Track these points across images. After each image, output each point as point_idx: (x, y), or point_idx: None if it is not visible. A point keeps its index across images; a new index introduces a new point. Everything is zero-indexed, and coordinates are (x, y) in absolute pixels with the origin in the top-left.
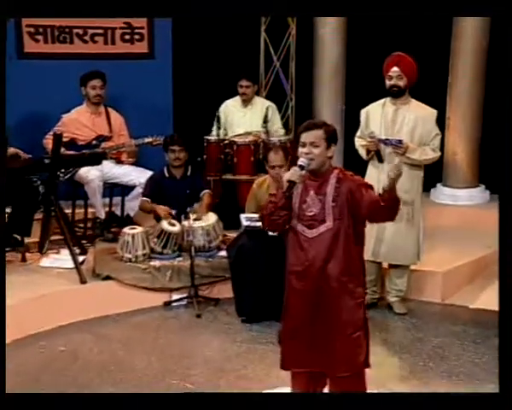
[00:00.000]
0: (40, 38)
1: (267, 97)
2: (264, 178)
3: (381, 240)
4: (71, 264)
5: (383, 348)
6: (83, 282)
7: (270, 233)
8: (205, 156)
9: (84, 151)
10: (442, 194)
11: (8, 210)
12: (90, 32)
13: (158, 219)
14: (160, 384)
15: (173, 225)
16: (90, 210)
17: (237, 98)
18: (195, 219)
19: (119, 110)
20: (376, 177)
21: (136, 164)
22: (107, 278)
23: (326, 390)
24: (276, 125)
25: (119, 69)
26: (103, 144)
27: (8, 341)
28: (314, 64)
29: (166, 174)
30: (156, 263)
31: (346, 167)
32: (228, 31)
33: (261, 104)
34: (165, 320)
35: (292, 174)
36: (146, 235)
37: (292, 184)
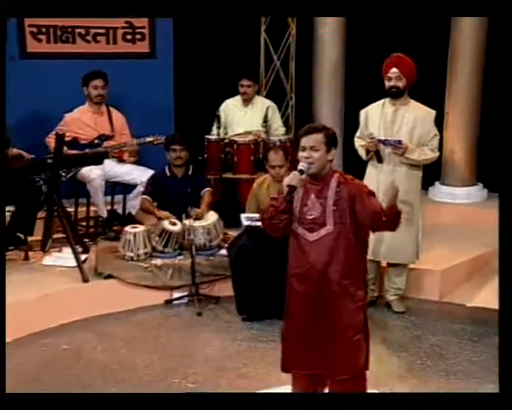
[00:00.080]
0: (43, 37)
1: (267, 97)
2: (265, 177)
3: (381, 240)
4: (73, 262)
5: (382, 347)
6: (85, 280)
7: None
8: (205, 155)
9: (86, 150)
10: (440, 192)
11: (10, 208)
12: (92, 31)
13: (160, 218)
14: (161, 383)
15: (174, 224)
16: (92, 208)
17: (238, 98)
18: (196, 219)
19: (121, 109)
20: (376, 177)
21: (138, 163)
22: (109, 276)
23: (326, 391)
24: (276, 124)
25: (120, 69)
26: (105, 143)
27: (10, 339)
28: (314, 64)
29: (168, 173)
30: (157, 262)
31: (345, 167)
32: (228, 31)
33: (261, 104)
34: (167, 318)
35: (292, 179)
36: (147, 234)
37: (292, 188)
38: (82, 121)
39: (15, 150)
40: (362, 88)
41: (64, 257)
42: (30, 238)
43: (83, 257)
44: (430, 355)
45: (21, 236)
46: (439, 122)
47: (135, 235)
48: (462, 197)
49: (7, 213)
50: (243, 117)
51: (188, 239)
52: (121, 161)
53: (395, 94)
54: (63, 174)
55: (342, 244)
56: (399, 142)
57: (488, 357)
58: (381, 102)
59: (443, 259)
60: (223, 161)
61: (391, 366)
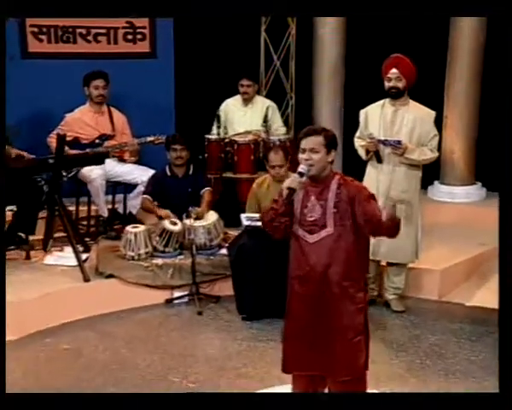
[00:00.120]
0: (44, 37)
1: (267, 96)
2: (265, 177)
3: (381, 239)
4: (74, 262)
5: (381, 346)
6: (86, 280)
7: None
8: (206, 155)
9: (87, 150)
10: (439, 191)
11: (11, 208)
12: (93, 31)
13: (160, 217)
14: (162, 383)
15: (175, 224)
16: (93, 208)
17: (238, 97)
18: (196, 218)
19: (122, 109)
20: (375, 177)
21: (139, 162)
22: (110, 276)
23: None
24: (276, 123)
25: (121, 69)
26: (106, 143)
27: (12, 338)
28: (313, 64)
29: (168, 173)
30: (158, 261)
31: (344, 167)
32: (229, 31)
33: (261, 103)
34: (167, 318)
35: (291, 181)
36: (148, 233)
37: (291, 191)
38: (83, 121)
39: (16, 151)
40: (361, 88)
41: (65, 256)
42: (31, 238)
43: (84, 256)
44: (429, 355)
45: (23, 235)
46: (439, 122)
47: (136, 234)
48: (461, 196)
49: (9, 213)
50: (243, 116)
51: (188, 239)
52: (122, 160)
53: (395, 94)
54: (64, 174)
55: (342, 246)
56: (399, 142)
57: (486, 356)
58: (380, 102)
59: (442, 258)
60: (223, 161)
61: (390, 366)
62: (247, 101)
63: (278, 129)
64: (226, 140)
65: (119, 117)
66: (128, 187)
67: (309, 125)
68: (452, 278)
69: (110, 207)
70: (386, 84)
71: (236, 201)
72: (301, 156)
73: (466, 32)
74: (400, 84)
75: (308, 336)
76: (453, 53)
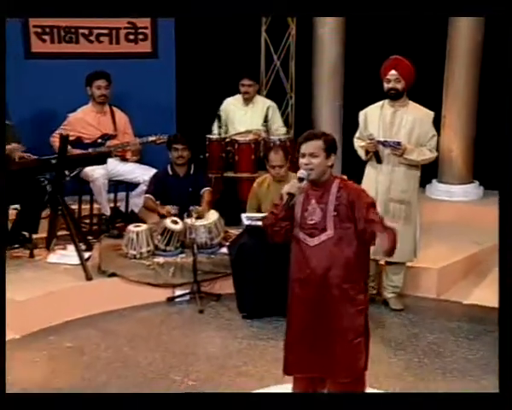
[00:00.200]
0: (47, 38)
1: (267, 96)
2: (265, 177)
3: None
4: (77, 260)
5: (379, 345)
6: (88, 278)
7: None
8: (207, 154)
9: (89, 150)
10: (437, 190)
11: (15, 207)
12: (96, 32)
13: (162, 216)
14: (163, 381)
15: (176, 223)
16: (95, 206)
17: (238, 97)
18: (197, 217)
19: (124, 109)
20: (374, 177)
21: (141, 162)
22: (113, 274)
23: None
24: (277, 123)
25: (123, 68)
26: (108, 143)
27: (15, 336)
28: (313, 63)
29: (170, 172)
30: (160, 260)
31: (344, 167)
32: (229, 31)
33: (262, 103)
34: (169, 316)
35: (291, 187)
36: (150, 232)
37: (291, 196)
38: (85, 121)
39: (18, 153)
40: (361, 88)
41: (68, 255)
42: (35, 236)
43: (86, 255)
44: (427, 353)
45: (26, 234)
46: (437, 121)
47: (138, 233)
48: (458, 195)
49: (13, 212)
50: (244, 116)
51: (189, 238)
52: (124, 160)
53: (394, 96)
54: (67, 174)
55: (343, 249)
56: (398, 143)
57: (484, 355)
58: (380, 103)
59: (440, 257)
60: (224, 160)
61: (388, 365)
62: (247, 100)
63: (278, 129)
64: (227, 140)
65: (121, 117)
66: (130, 186)
67: (309, 129)
68: (450, 276)
69: (112, 205)
70: (386, 86)
71: (237, 200)
72: (301, 161)
73: (464, 32)
74: (399, 86)
75: (309, 338)
76: (451, 52)
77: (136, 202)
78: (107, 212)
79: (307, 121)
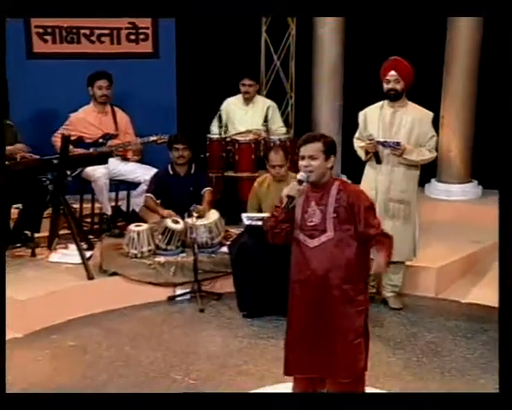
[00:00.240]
0: (48, 38)
1: (267, 96)
2: (265, 176)
3: None
4: (79, 259)
5: (378, 344)
6: (90, 278)
7: None
8: (207, 154)
9: (90, 149)
10: (436, 189)
11: (17, 206)
12: (97, 32)
13: (163, 216)
14: (164, 380)
15: (177, 222)
16: (96, 205)
17: (239, 96)
18: (198, 217)
19: (125, 109)
20: (374, 177)
21: (142, 162)
22: (114, 274)
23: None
24: (277, 124)
25: (124, 68)
26: (109, 142)
27: (17, 335)
28: (313, 63)
29: (171, 172)
30: (161, 259)
31: (343, 167)
32: (230, 31)
33: (262, 103)
34: (170, 315)
35: (291, 189)
36: (151, 232)
37: (290, 198)
38: (87, 121)
39: (20, 154)
40: (361, 88)
41: (70, 254)
42: (37, 235)
43: (88, 254)
44: (425, 352)
45: (28, 233)
46: (436, 121)
47: (139, 233)
48: (457, 194)
49: (15, 211)
50: (244, 115)
51: (190, 237)
52: (125, 159)
53: (393, 96)
54: (68, 173)
55: (343, 250)
56: (398, 143)
57: (482, 354)
58: (379, 104)
59: (439, 256)
60: (224, 160)
61: (387, 364)
62: (248, 100)
63: (278, 129)
64: (227, 139)
65: (122, 117)
66: (131, 186)
67: (309, 129)
68: (449, 275)
69: (113, 205)
70: (385, 86)
71: (237, 199)
72: (301, 163)
73: (463, 32)
74: (399, 86)
75: (309, 338)
76: (450, 53)
77: (137, 201)
78: (109, 211)
79: (307, 121)
